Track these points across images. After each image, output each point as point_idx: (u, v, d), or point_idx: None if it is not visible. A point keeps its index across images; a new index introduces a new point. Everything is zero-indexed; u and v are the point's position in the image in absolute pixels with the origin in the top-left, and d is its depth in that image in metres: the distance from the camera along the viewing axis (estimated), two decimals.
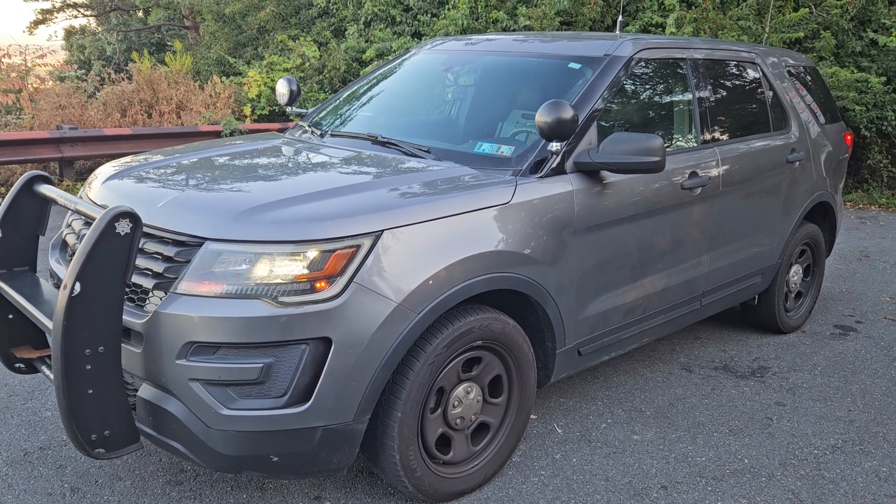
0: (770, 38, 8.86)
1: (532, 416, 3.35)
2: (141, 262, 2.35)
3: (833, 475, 2.99)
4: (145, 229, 2.33)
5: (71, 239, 2.74)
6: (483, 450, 2.80)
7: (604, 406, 3.50)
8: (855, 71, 8.98)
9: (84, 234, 2.48)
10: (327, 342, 2.24)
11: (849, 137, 4.99)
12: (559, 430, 3.27)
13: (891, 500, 2.84)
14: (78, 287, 2.07)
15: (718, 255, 3.73)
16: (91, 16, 20.79)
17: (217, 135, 9.19)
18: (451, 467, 2.70)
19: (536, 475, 2.91)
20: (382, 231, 2.34)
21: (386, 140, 3.15)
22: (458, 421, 2.67)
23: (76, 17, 20.67)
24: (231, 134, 9.25)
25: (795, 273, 4.54)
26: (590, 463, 3.01)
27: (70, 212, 2.78)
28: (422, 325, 2.39)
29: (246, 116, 10.89)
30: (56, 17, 19.99)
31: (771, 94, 4.22)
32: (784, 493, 2.86)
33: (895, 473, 3.02)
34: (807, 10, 9.21)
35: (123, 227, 2.13)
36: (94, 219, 2.19)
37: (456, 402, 2.64)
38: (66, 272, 2.09)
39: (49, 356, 2.68)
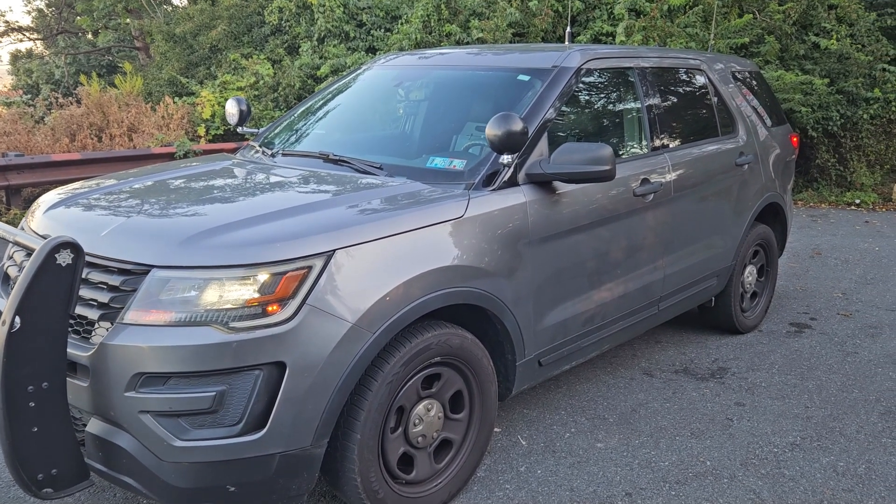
0: (716, 45, 9.06)
1: (496, 430, 3.33)
2: (85, 292, 2.28)
3: (793, 473, 3.04)
4: (89, 258, 2.26)
5: (13, 271, 2.65)
6: (446, 467, 2.77)
7: (567, 415, 3.51)
8: (799, 73, 9.24)
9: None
10: (281, 366, 2.20)
11: (795, 139, 5.12)
12: (523, 442, 3.26)
13: (848, 493, 2.89)
14: (18, 321, 2.00)
15: (674, 259, 3.78)
16: (37, 39, 20.35)
17: (171, 157, 9.04)
18: (414, 486, 2.67)
19: (501, 489, 2.89)
20: (334, 251, 2.31)
21: (337, 158, 3.12)
22: (419, 439, 2.64)
23: (21, 40, 20.22)
24: (185, 155, 9.11)
25: (750, 274, 4.62)
26: (554, 474, 3.00)
27: (11, 243, 2.69)
28: (378, 345, 2.36)
29: (200, 137, 10.75)
30: (0, 42, 19.52)
31: (717, 99, 4.31)
32: (746, 493, 2.89)
33: (852, 467, 3.08)
34: (751, 15, 9.45)
35: (64, 257, 2.06)
36: (33, 250, 2.12)
37: (417, 421, 2.61)
38: (5, 306, 2.02)
39: None
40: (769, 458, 3.15)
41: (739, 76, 4.65)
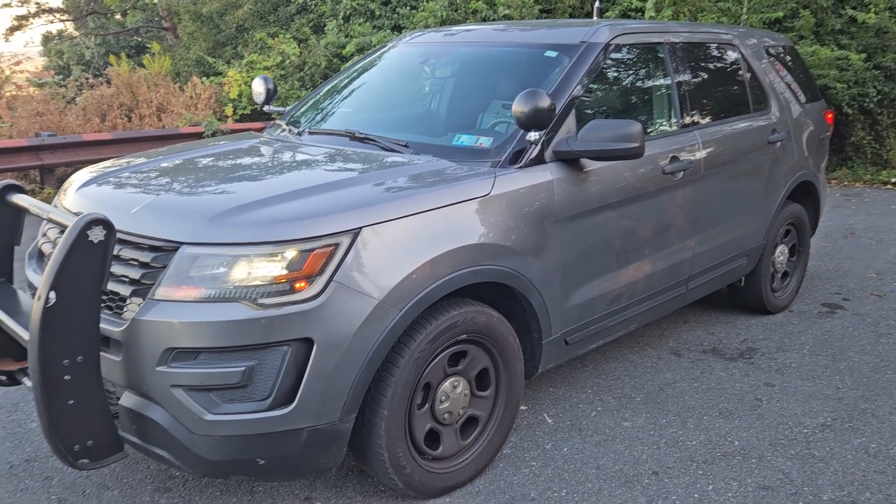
0: (749, 19, 8.86)
1: (522, 407, 3.34)
2: (117, 268, 2.31)
3: (823, 453, 3.00)
4: (120, 235, 2.29)
5: (47, 248, 2.70)
6: (473, 443, 2.79)
7: (593, 394, 3.50)
8: (835, 49, 8.99)
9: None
10: (309, 343, 2.22)
11: (829, 116, 5.00)
12: (549, 420, 3.26)
13: (880, 475, 2.85)
14: (52, 297, 2.04)
15: (703, 238, 3.73)
16: (68, 20, 20.56)
17: (199, 136, 9.12)
18: (441, 462, 2.69)
19: (527, 466, 2.91)
20: (361, 228, 2.31)
21: (363, 136, 3.12)
22: (446, 416, 2.65)
23: (52, 21, 20.44)
24: (213, 135, 9.18)
25: (781, 253, 4.55)
26: (581, 452, 3.01)
27: (44, 220, 2.74)
28: (405, 322, 2.37)
29: (228, 116, 10.82)
30: (32, 23, 19.75)
31: (750, 75, 4.22)
32: (775, 473, 2.86)
33: (884, 449, 3.03)
34: None
35: (96, 234, 2.10)
36: (66, 227, 2.16)
37: (443, 397, 2.63)
38: (40, 282, 2.06)
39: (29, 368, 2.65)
40: (799, 438, 3.11)
41: (773, 51, 4.54)
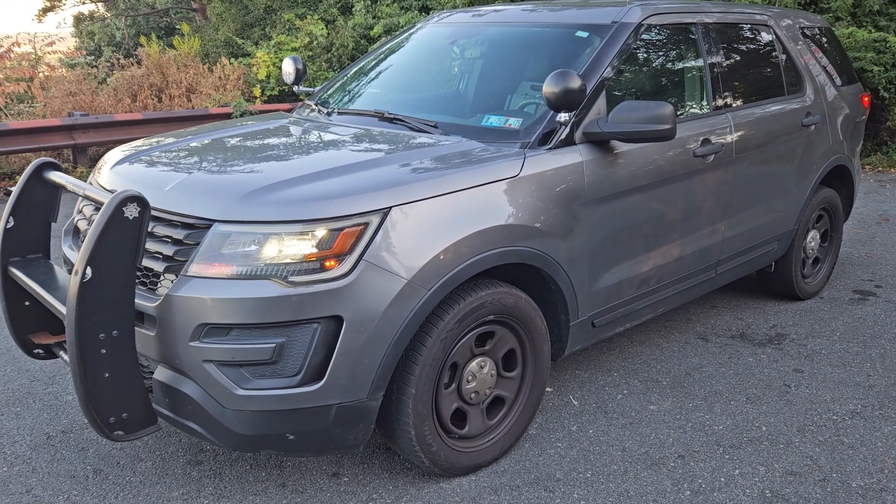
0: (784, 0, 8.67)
1: (548, 389, 3.35)
2: (151, 245, 2.35)
3: (852, 440, 2.97)
4: (154, 213, 2.33)
5: (82, 225, 2.76)
6: (499, 423, 2.80)
7: (620, 377, 3.49)
8: (872, 30, 8.78)
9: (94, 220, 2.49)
10: (339, 320, 2.25)
11: (866, 99, 4.89)
12: (575, 402, 3.26)
13: None
14: (89, 272, 2.09)
15: (733, 222, 3.69)
16: (99, 1, 20.76)
17: (227, 117, 9.19)
18: (467, 441, 2.71)
19: (553, 447, 2.92)
20: (390, 208, 2.33)
21: (392, 116, 3.12)
22: (472, 395, 2.67)
23: (84, 2, 20.66)
24: (242, 115, 9.24)
25: (812, 239, 4.48)
26: (606, 434, 3.01)
27: (80, 198, 2.79)
28: (433, 302, 2.38)
29: (256, 97, 10.88)
30: (64, 4, 19.99)
31: (785, 57, 4.14)
32: (803, 459, 2.84)
33: None
34: None
35: (131, 211, 2.14)
36: (102, 204, 2.20)
37: (470, 377, 2.64)
38: (77, 258, 2.11)
39: (66, 341, 2.71)
40: (828, 425, 3.09)
41: (808, 33, 4.45)
